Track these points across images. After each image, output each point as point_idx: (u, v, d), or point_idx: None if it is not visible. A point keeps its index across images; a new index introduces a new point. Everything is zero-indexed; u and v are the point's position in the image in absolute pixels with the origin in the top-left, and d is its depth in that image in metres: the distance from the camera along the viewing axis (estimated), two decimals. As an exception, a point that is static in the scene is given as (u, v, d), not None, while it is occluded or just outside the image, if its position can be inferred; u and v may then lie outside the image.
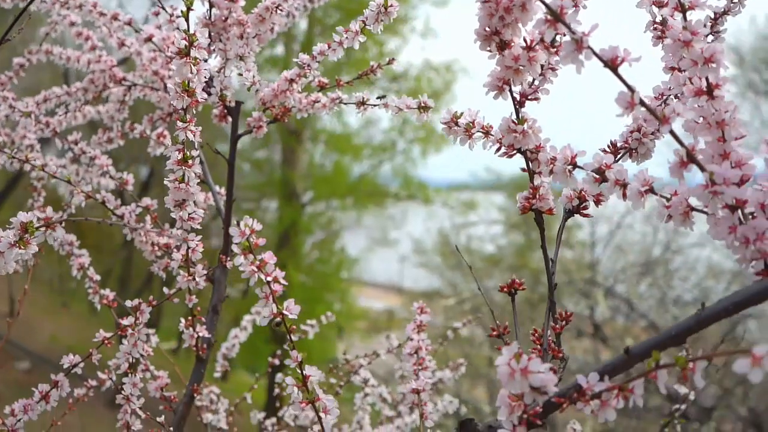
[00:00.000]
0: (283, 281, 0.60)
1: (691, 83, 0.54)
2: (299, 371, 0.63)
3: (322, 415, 0.62)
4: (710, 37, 0.69)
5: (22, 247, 0.66)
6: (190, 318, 0.93)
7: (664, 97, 0.67)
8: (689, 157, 0.49)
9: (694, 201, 0.53)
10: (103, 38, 1.18)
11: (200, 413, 1.26)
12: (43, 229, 0.64)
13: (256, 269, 0.59)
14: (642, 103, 0.48)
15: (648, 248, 7.22)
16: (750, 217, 0.50)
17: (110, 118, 1.16)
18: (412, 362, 0.92)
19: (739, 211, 0.51)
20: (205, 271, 0.88)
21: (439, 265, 10.06)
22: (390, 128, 11.82)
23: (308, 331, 1.34)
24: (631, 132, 0.66)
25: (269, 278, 0.60)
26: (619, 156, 0.67)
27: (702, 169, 0.49)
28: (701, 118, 0.52)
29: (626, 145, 0.66)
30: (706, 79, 0.51)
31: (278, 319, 0.61)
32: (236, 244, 0.59)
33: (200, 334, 0.94)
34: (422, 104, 0.83)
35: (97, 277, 1.07)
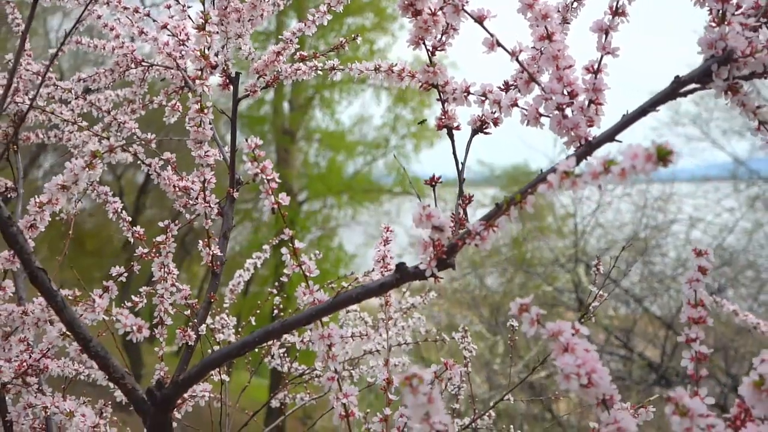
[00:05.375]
0: (277, 180, 0.88)
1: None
2: (291, 245, 0.90)
3: (307, 273, 0.90)
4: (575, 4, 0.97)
5: (91, 169, 0.93)
6: (206, 240, 1.21)
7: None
8: (530, 78, 0.77)
9: (542, 110, 0.81)
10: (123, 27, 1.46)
11: (213, 334, 1.54)
12: (107, 153, 0.92)
13: (259, 171, 0.87)
14: (498, 43, 0.76)
15: (636, 229, 7.54)
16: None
17: (133, 93, 1.44)
18: (379, 266, 1.19)
19: (570, 111, 0.79)
20: (217, 200, 1.16)
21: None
22: (382, 125, 12.10)
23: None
24: (518, 72, 0.94)
25: (269, 177, 0.87)
26: (511, 90, 0.94)
27: (538, 84, 0.77)
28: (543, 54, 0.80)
29: (514, 83, 0.94)
30: (545, 27, 0.79)
31: (276, 206, 0.89)
32: (245, 154, 0.86)
33: (215, 253, 1.22)
34: (377, 66, 1.10)
35: (129, 218, 1.34)
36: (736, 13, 0.73)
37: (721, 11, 0.70)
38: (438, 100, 0.89)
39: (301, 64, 1.21)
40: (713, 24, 0.71)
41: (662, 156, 0.55)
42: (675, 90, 0.71)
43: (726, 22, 0.70)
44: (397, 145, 12.17)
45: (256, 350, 1.66)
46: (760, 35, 0.72)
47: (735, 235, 7.67)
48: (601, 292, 1.33)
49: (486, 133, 0.93)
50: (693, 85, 0.71)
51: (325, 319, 0.90)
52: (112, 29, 1.46)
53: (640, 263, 7.14)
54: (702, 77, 0.70)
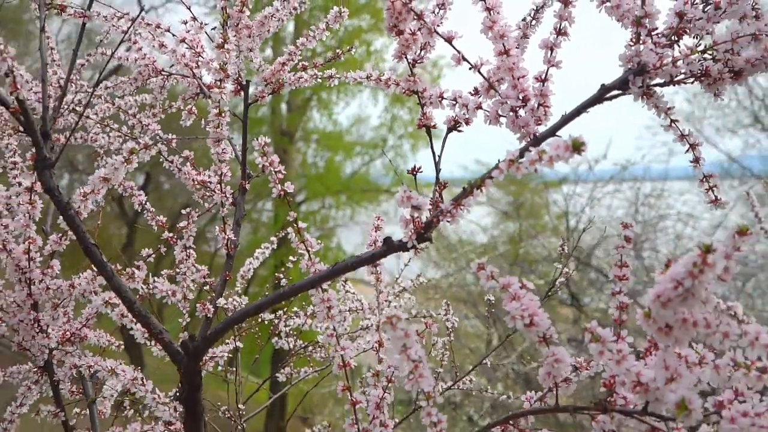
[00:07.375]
0: (283, 171, 1.06)
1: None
2: (295, 225, 1.09)
3: (309, 248, 1.09)
4: (534, 21, 1.15)
5: (128, 164, 1.11)
6: (222, 225, 1.39)
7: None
8: (489, 86, 0.96)
9: (500, 111, 1.00)
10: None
11: (226, 313, 1.72)
12: (143, 150, 1.10)
13: (268, 164, 1.05)
14: (463, 58, 0.95)
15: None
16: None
17: (154, 98, 1.62)
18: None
19: (522, 112, 0.97)
20: (232, 190, 1.34)
21: (433, 256, 10.39)
22: (380, 125, 12.28)
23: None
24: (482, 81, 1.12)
25: (276, 169, 1.06)
26: (479, 96, 1.12)
27: (496, 91, 0.96)
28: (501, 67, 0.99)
29: (478, 91, 1.12)
30: (503, 44, 0.98)
31: (282, 193, 1.07)
32: (256, 150, 1.05)
33: (230, 237, 1.40)
34: (369, 75, 1.29)
35: (153, 210, 1.53)
36: (653, 33, 0.91)
37: (636, 32, 0.89)
38: (417, 104, 1.08)
39: (302, 73, 1.40)
40: (631, 43, 0.89)
41: (576, 147, 0.73)
42: (602, 95, 0.90)
43: (640, 42, 0.88)
44: (395, 145, 12.32)
45: (265, 322, 1.84)
46: (675, 50, 0.91)
47: (728, 231, 7.84)
48: (566, 270, 1.52)
49: (459, 131, 1.12)
50: (616, 91, 0.90)
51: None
52: (135, 42, 1.64)
53: (632, 258, 7.32)
54: (621, 85, 0.89)
